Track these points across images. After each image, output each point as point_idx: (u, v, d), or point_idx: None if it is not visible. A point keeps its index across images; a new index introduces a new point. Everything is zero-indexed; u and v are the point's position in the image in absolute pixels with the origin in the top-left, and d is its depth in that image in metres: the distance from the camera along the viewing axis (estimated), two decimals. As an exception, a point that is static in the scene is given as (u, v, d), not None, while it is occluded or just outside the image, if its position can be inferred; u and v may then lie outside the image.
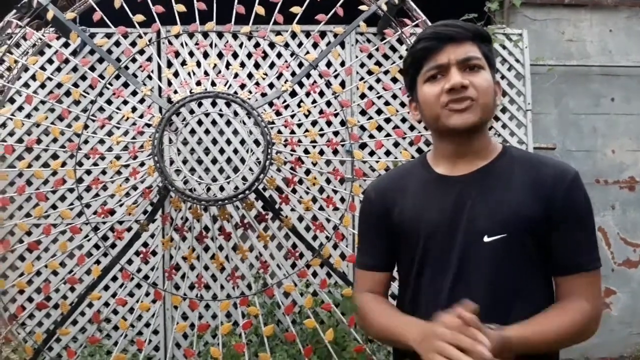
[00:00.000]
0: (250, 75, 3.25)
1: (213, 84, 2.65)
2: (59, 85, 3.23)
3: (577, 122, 3.79)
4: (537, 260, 1.07)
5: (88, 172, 3.24)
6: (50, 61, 3.32)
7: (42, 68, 3.27)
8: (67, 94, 3.24)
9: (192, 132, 3.41)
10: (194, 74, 2.73)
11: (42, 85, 3.29)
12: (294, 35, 3.31)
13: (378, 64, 3.44)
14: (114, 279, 3.25)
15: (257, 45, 3.35)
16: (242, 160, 3.36)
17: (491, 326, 0.93)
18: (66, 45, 3.27)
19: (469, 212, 1.06)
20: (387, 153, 3.48)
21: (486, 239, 1.04)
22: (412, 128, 3.47)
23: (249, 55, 3.33)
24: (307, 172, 3.12)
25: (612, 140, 3.82)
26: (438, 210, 1.09)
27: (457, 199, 1.08)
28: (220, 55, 3.26)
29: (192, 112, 3.41)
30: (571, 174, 1.06)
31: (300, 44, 3.43)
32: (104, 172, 3.23)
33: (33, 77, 3.26)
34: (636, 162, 3.83)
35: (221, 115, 3.37)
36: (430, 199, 1.11)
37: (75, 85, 3.29)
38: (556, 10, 3.82)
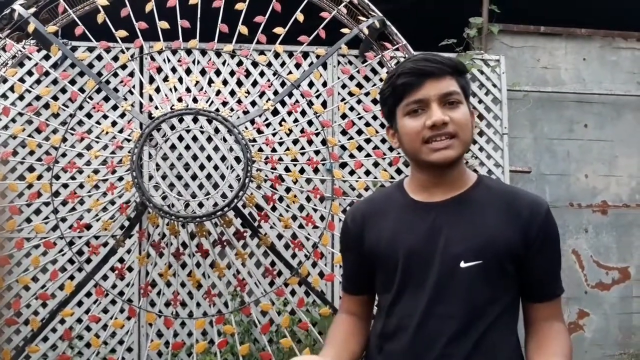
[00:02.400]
0: (232, 93, 3.27)
1: (195, 100, 2.66)
2: (38, 98, 3.20)
3: (551, 146, 3.88)
4: (510, 286, 1.10)
5: (65, 185, 3.19)
6: (29, 73, 3.28)
7: (21, 80, 3.23)
8: (46, 106, 3.21)
9: (173, 147, 3.41)
10: (175, 90, 2.74)
11: (21, 97, 3.25)
12: (276, 55, 3.35)
13: (359, 85, 3.49)
14: (88, 294, 3.19)
15: (240, 63, 3.38)
16: (223, 177, 3.36)
17: None
18: (47, 57, 3.24)
19: (445, 237, 1.08)
20: (367, 173, 3.51)
21: (463, 264, 1.05)
22: (391, 149, 3.51)
23: (232, 73, 3.35)
24: (288, 190, 3.13)
25: (585, 165, 3.91)
26: (414, 235, 1.10)
27: (433, 225, 1.09)
28: (203, 73, 3.28)
29: (173, 127, 3.41)
30: (545, 206, 1.10)
31: (283, 64, 3.46)
32: (81, 186, 3.19)
33: (11, 89, 3.23)
34: (608, 186, 3.93)
35: (202, 132, 3.38)
36: (407, 224, 1.13)
37: (55, 98, 3.26)
38: (532, 38, 3.94)
